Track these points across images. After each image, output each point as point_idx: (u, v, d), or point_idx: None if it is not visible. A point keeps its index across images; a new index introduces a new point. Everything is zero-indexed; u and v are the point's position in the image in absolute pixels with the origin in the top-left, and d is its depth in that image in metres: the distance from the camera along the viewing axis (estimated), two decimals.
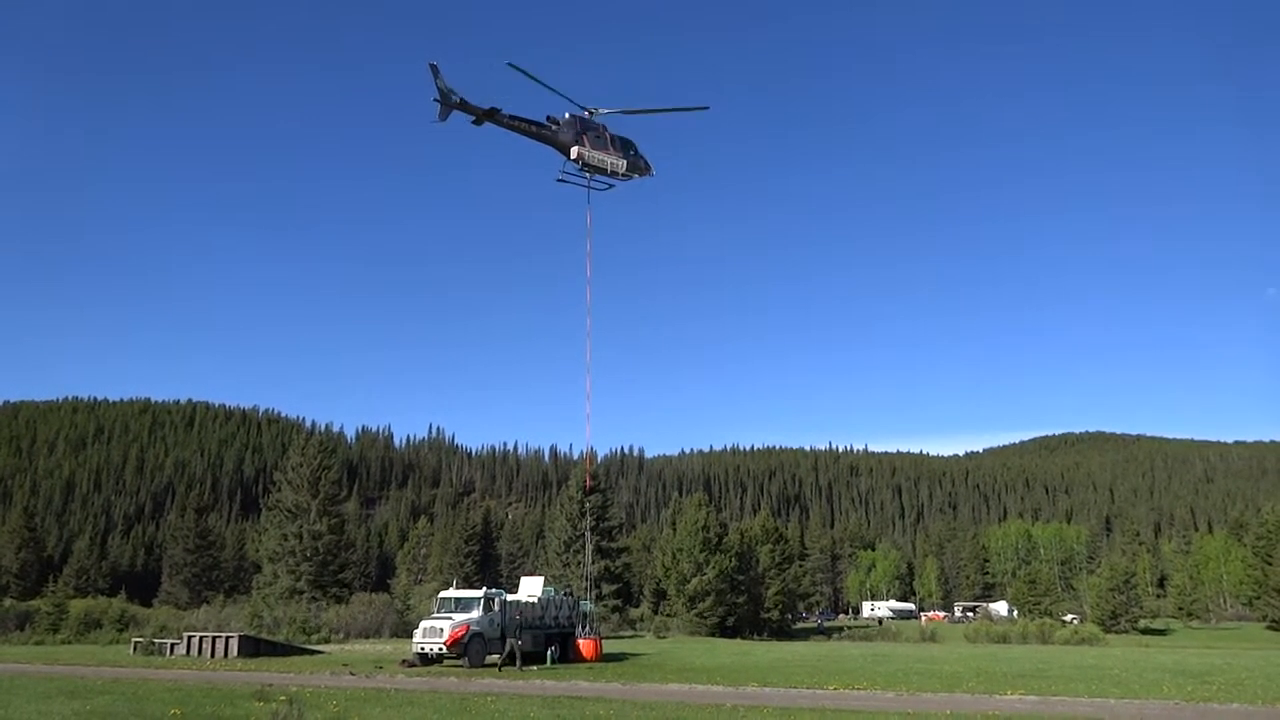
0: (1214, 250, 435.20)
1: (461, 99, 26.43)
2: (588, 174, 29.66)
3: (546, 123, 28.57)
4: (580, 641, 37.24)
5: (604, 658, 37.40)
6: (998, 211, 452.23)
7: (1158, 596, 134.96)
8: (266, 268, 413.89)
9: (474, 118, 27.01)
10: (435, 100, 26.25)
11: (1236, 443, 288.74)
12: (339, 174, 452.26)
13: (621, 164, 29.92)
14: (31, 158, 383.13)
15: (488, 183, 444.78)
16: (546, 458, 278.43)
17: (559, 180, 29.46)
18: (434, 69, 25.94)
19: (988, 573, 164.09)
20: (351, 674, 29.14)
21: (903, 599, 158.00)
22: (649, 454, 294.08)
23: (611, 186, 30.47)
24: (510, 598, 36.25)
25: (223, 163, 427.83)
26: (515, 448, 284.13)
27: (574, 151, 28.74)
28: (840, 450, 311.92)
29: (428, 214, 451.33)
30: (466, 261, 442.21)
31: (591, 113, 29.46)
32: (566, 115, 28.96)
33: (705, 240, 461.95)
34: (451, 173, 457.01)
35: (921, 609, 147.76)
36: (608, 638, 48.30)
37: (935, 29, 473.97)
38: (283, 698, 18.79)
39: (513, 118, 27.65)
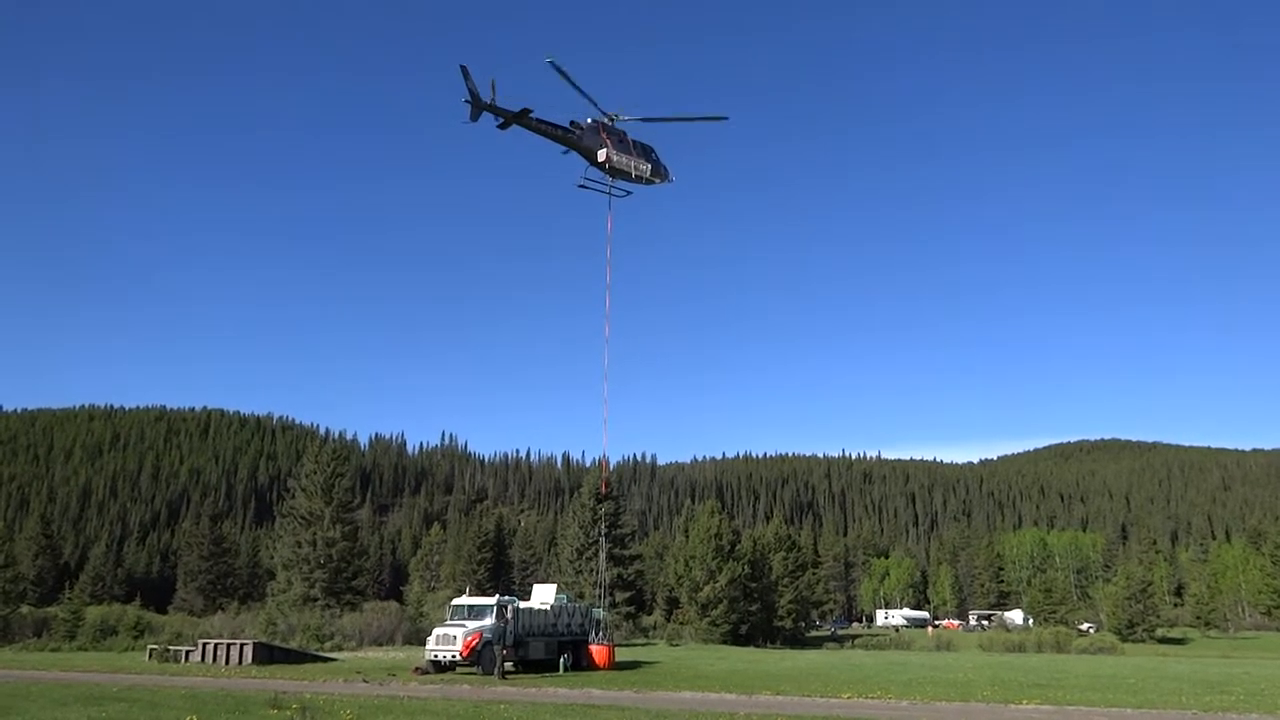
0: (1229, 255, 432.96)
1: (492, 101, 26.37)
2: (610, 179, 29.48)
3: (571, 127, 28.46)
4: (593, 648, 37.17)
5: (617, 665, 37.31)
6: (1011, 217, 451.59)
7: (1175, 605, 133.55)
8: (281, 275, 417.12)
9: (502, 120, 26.94)
10: (466, 101, 26.17)
11: (1254, 450, 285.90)
12: (353, 181, 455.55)
13: (646, 168, 29.69)
14: (48, 165, 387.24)
15: (500, 190, 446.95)
16: (559, 464, 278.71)
17: (580, 186, 29.11)
18: (464, 71, 25.88)
19: (1002, 581, 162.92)
20: (365, 681, 29.19)
21: (917, 607, 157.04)
22: (661, 461, 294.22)
23: (630, 193, 30.11)
24: (523, 605, 36.20)
25: (238, 169, 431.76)
26: (528, 454, 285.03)
27: (602, 155, 28.48)
28: (853, 457, 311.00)
29: (440, 221, 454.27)
30: (479, 269, 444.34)
31: (613, 118, 29.29)
32: (589, 120, 28.75)
33: (717, 247, 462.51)
34: (464, 180, 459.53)
35: (936, 617, 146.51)
36: (620, 645, 48.20)
37: (941, 35, 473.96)
38: (296, 705, 18.86)
39: (540, 121, 27.55)
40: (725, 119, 27.42)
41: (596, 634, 38.44)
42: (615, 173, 29.10)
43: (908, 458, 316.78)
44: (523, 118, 26.99)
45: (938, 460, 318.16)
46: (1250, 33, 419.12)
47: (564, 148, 28.55)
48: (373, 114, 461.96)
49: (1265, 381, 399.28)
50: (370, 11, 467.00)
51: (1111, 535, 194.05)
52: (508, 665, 33.09)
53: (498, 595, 37.92)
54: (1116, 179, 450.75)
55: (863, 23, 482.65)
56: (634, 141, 29.75)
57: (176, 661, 40.38)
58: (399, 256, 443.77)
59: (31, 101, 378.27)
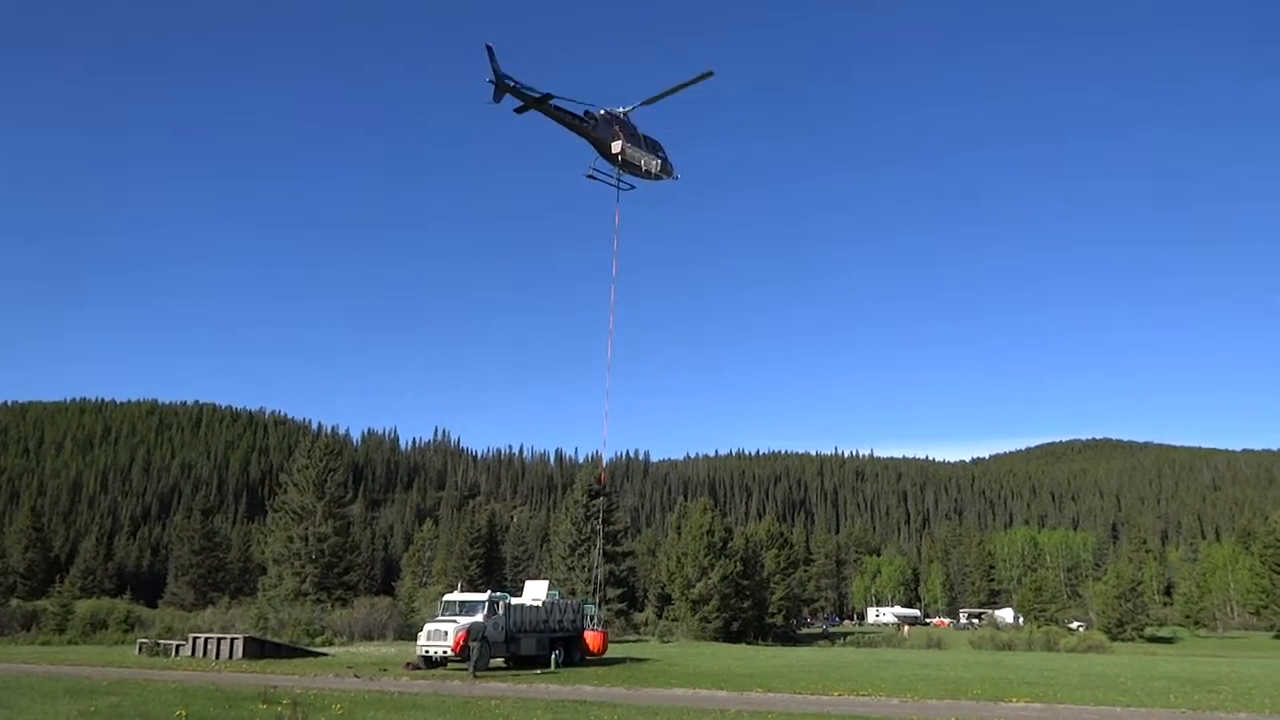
0: (1222, 255, 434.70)
1: (516, 83, 26.17)
2: (619, 172, 29.26)
3: (585, 117, 28.35)
4: (587, 634, 37.32)
5: (608, 661, 37.36)
6: (1004, 216, 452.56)
7: (1164, 604, 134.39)
8: (274, 270, 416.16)
9: (521, 103, 26.78)
10: (490, 81, 25.95)
11: (1244, 450, 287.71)
12: (347, 176, 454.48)
13: (655, 164, 29.58)
14: (42, 159, 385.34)
15: (495, 186, 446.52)
16: (552, 461, 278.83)
17: (589, 176, 28.91)
18: (490, 51, 25.57)
19: (993, 579, 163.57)
20: (356, 676, 29.15)
21: (908, 605, 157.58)
22: (654, 458, 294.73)
23: (633, 188, 30.05)
24: (515, 601, 36.21)
25: (230, 163, 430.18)
26: (520, 450, 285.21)
27: (616, 147, 28.27)
28: (846, 455, 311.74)
29: (434, 217, 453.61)
30: (472, 264, 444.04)
31: (624, 111, 29.18)
32: (603, 111, 28.62)
33: (711, 244, 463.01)
34: (459, 176, 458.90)
35: (926, 615, 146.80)
36: (612, 641, 48.26)
37: (940, 31, 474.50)
38: (287, 700, 18.82)
39: (559, 108, 27.42)
40: (711, 74, 27.02)
41: (589, 624, 38.58)
42: (626, 166, 28.99)
43: (900, 456, 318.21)
44: (543, 104, 26.81)
45: (930, 459, 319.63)
46: (1249, 31, 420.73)
47: (578, 136, 28.35)
48: (369, 109, 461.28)
49: (1256, 382, 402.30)
50: (367, 7, 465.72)
51: (1102, 534, 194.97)
52: (498, 660, 33.03)
53: (490, 591, 37.88)
54: (1110, 178, 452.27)
55: (863, 19, 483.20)
56: (644, 136, 29.70)
57: (167, 655, 40.26)
58: (392, 252, 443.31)
59: (28, 95, 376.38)
